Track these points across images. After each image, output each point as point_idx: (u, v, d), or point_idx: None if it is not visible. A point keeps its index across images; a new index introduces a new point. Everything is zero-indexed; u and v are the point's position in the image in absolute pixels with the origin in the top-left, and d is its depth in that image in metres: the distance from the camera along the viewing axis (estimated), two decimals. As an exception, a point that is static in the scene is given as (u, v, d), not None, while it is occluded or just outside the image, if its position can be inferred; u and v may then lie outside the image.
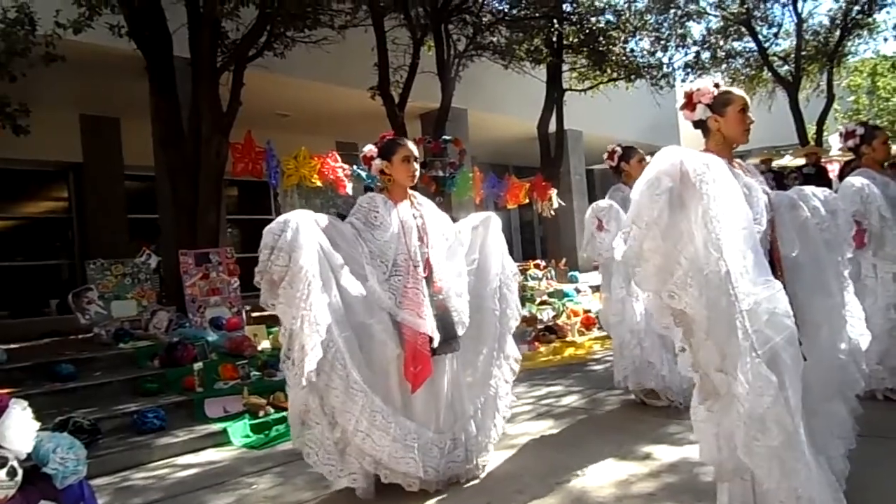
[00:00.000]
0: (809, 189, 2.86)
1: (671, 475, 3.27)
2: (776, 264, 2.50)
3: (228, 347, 5.91)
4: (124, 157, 10.16)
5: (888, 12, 17.23)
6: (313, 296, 2.83)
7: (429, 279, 3.29)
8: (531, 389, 5.51)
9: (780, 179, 10.70)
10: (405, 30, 9.34)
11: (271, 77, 8.40)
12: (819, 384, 2.53)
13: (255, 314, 7.20)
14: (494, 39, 10.03)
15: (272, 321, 6.85)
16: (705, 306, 2.25)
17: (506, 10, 10.14)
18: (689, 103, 2.66)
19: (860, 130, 4.34)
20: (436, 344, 3.21)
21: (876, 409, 3.33)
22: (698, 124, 2.69)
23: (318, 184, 7.24)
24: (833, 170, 10.92)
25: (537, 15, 10.10)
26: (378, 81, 8.88)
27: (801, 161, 11.43)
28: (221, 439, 4.63)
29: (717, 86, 2.66)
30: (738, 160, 2.69)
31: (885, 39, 13.67)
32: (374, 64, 8.86)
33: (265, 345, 6.33)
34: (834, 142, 10.94)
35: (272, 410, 4.92)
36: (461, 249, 3.54)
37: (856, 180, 4.09)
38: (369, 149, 3.46)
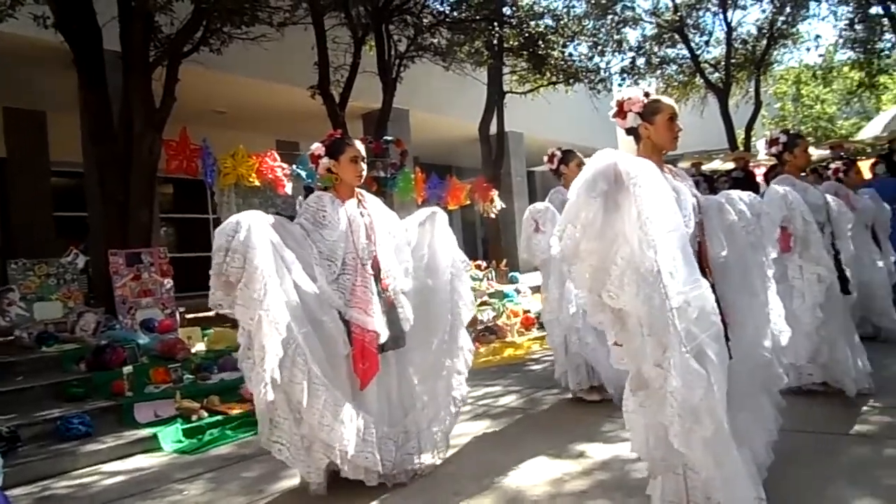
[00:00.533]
0: (736, 193, 2.98)
1: (604, 472, 3.34)
2: (704, 264, 2.58)
3: (160, 350, 5.73)
4: (51, 153, 9.78)
5: (810, 24, 18.07)
6: (270, 295, 2.83)
7: (377, 277, 3.33)
8: (470, 390, 5.44)
9: (711, 183, 11.08)
10: (346, 29, 9.28)
11: (208, 73, 8.22)
12: (744, 379, 2.63)
13: (189, 316, 7.02)
14: (435, 41, 10.06)
15: (207, 323, 6.70)
16: (643, 303, 2.32)
17: (447, 12, 10.19)
18: (621, 111, 2.75)
19: (783, 138, 4.52)
20: (383, 340, 3.25)
21: (798, 404, 3.49)
22: (630, 131, 2.78)
23: (257, 183, 7.12)
24: (760, 174, 11.37)
25: (478, 17, 10.19)
26: (318, 80, 8.79)
27: (731, 165, 11.85)
28: (151, 445, 4.48)
29: (646, 95, 2.75)
30: (668, 165, 2.78)
31: (808, 49, 14.29)
32: (314, 63, 8.77)
33: (199, 347, 6.17)
34: (761, 147, 11.38)
35: (206, 414, 4.81)
36: (408, 246, 3.58)
37: (779, 187, 4.27)
38: (317, 147, 3.47)
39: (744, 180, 10.32)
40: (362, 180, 3.47)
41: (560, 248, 2.40)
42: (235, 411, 4.88)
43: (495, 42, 10.47)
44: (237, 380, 5.10)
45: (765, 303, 2.83)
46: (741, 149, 13.46)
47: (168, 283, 6.79)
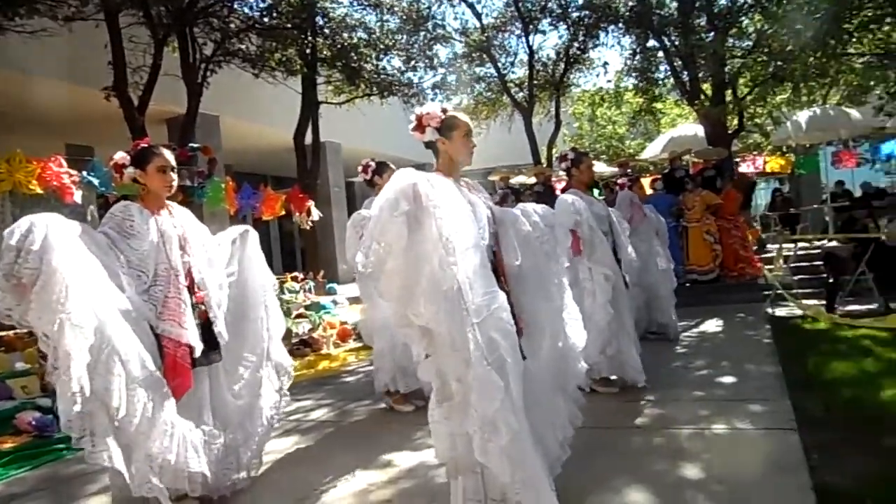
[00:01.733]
0: (531, 206, 3.21)
1: (408, 480, 3.43)
2: (500, 273, 2.73)
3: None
4: None
5: (600, 51, 19.88)
6: (73, 298, 2.58)
7: (190, 289, 3.20)
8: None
9: (518, 195, 11.80)
10: (145, 28, 8.69)
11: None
12: (542, 378, 2.82)
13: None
14: (244, 47, 9.73)
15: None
16: (445, 320, 2.41)
17: (256, 18, 9.90)
18: (420, 125, 2.85)
19: (571, 155, 4.96)
20: (197, 354, 3.12)
21: (593, 401, 3.80)
22: (429, 145, 2.88)
23: (39, 190, 6.42)
24: (560, 187, 12.33)
25: (289, 25, 10.02)
26: (113, 81, 8.14)
27: (534, 179, 12.70)
28: None
29: (444, 111, 2.86)
30: (465, 179, 2.92)
31: (597, 74, 15.66)
32: (109, 62, 8.12)
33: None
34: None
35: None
36: (221, 261, 3.47)
37: (567, 197, 4.68)
38: (121, 156, 3.26)
39: (545, 193, 11.09)
40: (172, 191, 3.31)
41: (366, 264, 2.44)
42: (7, 445, 4.36)
43: (308, 51, 10.33)
44: (10, 409, 4.57)
45: (561, 308, 3.04)
46: (544, 164, 14.43)
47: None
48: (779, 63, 9.08)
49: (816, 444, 3.35)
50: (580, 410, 3.13)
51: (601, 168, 16.63)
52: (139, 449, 2.82)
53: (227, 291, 3.43)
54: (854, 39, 8.02)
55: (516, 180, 15.30)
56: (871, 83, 11.54)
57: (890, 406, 4.01)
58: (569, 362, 3.02)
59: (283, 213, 10.58)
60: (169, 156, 3.31)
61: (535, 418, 2.67)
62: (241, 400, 3.46)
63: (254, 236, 3.67)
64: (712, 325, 7.45)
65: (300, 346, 7.78)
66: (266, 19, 9.97)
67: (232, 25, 9.33)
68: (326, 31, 10.72)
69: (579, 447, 3.08)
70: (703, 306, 8.42)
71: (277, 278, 9.27)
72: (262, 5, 9.91)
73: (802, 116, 13.63)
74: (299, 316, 8.84)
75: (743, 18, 11.84)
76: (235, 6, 9.55)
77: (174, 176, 3.29)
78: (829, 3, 6.35)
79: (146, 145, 3.38)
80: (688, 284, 9.51)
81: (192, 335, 3.11)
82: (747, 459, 3.26)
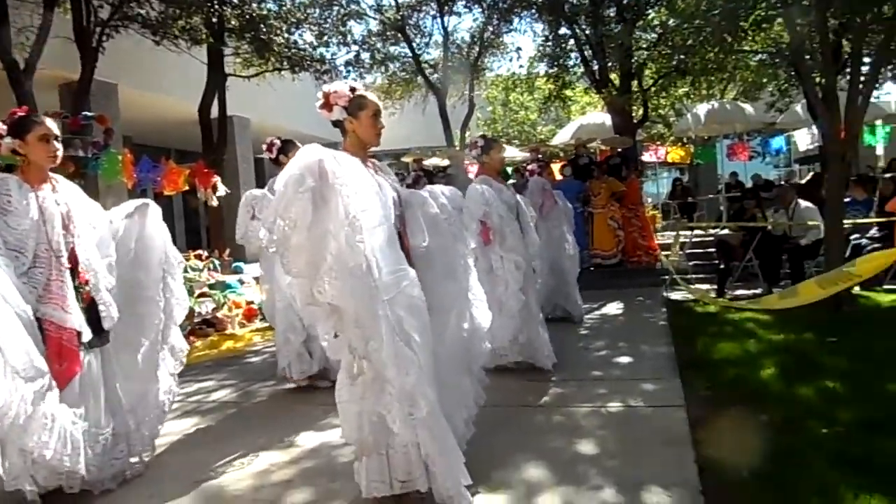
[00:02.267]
0: (438, 188, 3.23)
1: (311, 460, 3.41)
2: (406, 254, 2.73)
3: None
4: None
5: (513, 36, 20.11)
6: None
7: (74, 270, 3.00)
8: (180, 387, 5.17)
9: (430, 177, 11.82)
10: (34, -16, 8.09)
11: None
12: (448, 359, 2.84)
13: None
14: (143, 11, 9.19)
15: None
16: (351, 297, 2.40)
17: (158, -18, 9.39)
18: (327, 104, 2.78)
19: (481, 142, 4.97)
20: (85, 338, 2.96)
21: (492, 381, 3.86)
22: (336, 124, 2.82)
23: None
24: (473, 171, 12.43)
25: (194, -8, 9.56)
26: (-5, 40, 7.54)
27: (447, 162, 12.75)
28: None
29: (353, 90, 2.80)
30: (372, 160, 2.88)
31: (511, 59, 15.85)
32: (-9, 21, 7.51)
33: None
34: (473, 146, 12.41)
35: None
36: (112, 240, 3.27)
37: (478, 187, 4.72)
38: None
39: (457, 176, 11.18)
40: (56, 162, 3.08)
41: (270, 240, 2.40)
42: None
43: (215, 20, 9.89)
44: None
45: (466, 289, 3.07)
46: (457, 147, 14.51)
47: None
48: (681, 56, 9.48)
49: (701, 420, 3.56)
50: (484, 390, 3.20)
51: (513, 153, 16.90)
52: (13, 443, 2.66)
53: (115, 271, 3.25)
54: (748, 37, 8.48)
55: (429, 162, 15.33)
56: (764, 80, 12.27)
57: (768, 384, 4.31)
58: (474, 342, 3.06)
59: (187, 188, 10.16)
60: (51, 124, 3.10)
61: (443, 398, 2.71)
62: (134, 384, 3.32)
63: (154, 211, 3.46)
64: (613, 308, 7.75)
65: (203, 326, 7.55)
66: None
67: (131, -12, 8.80)
68: (235, 0, 10.29)
69: (483, 425, 3.15)
70: (605, 290, 8.74)
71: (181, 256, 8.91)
72: (164, -30, 9.39)
73: (702, 109, 14.34)
74: (202, 295, 8.56)
75: (650, 11, 12.27)
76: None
77: (58, 146, 3.08)
78: (725, 0, 6.68)
79: (24, 114, 3.15)
80: (592, 269, 9.85)
81: (76, 319, 2.95)
82: (638, 435, 3.42)
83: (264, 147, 4.89)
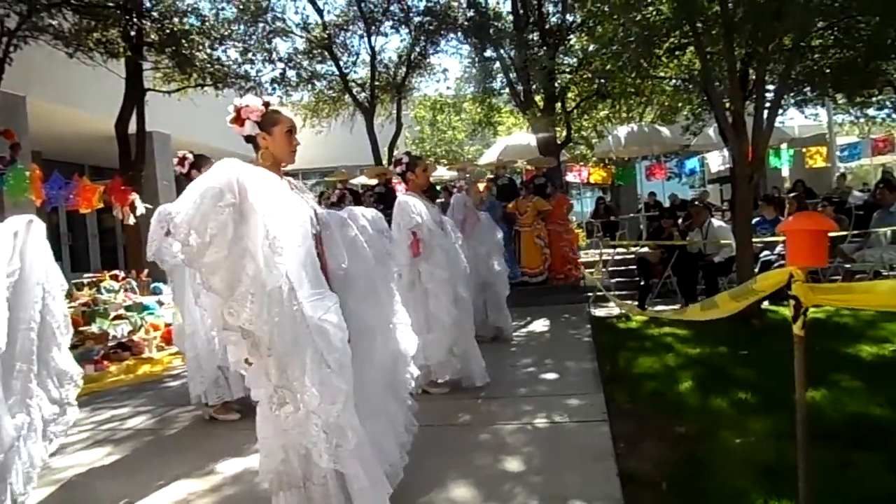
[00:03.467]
0: (359, 210, 3.13)
1: (232, 487, 3.31)
2: (325, 277, 2.62)
3: None
4: None
5: (440, 57, 20.36)
6: None
7: None
8: (92, 414, 4.99)
9: (357, 196, 11.74)
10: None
11: None
12: (375, 385, 2.79)
13: None
14: (55, 23, 8.80)
15: None
16: (267, 322, 2.28)
17: (71, -8, 9.01)
18: (238, 118, 2.68)
19: (406, 159, 4.97)
20: None
21: (424, 400, 3.85)
22: (249, 139, 2.73)
23: None
24: (401, 189, 12.44)
25: (110, 4, 9.22)
26: None
27: (375, 181, 12.72)
28: None
29: (266, 104, 2.71)
30: (288, 178, 2.78)
31: (438, 80, 16.00)
32: None
33: None
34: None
35: None
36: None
37: (409, 199, 4.72)
38: None
39: (386, 194, 11.15)
40: None
41: (184, 254, 2.26)
42: None
43: (133, 34, 9.56)
44: None
45: (391, 313, 3.01)
46: (383, 165, 14.48)
47: None
48: (601, 81, 9.83)
49: (623, 433, 3.66)
50: (414, 415, 3.17)
51: (441, 172, 17.03)
52: None
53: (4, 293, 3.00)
54: (663, 63, 8.89)
55: (357, 181, 15.25)
56: (679, 104, 12.85)
57: (685, 396, 4.47)
58: (399, 367, 3.01)
59: (102, 205, 9.75)
60: None
61: (374, 426, 2.66)
62: (13, 415, 3.02)
63: (38, 228, 3.23)
64: (540, 325, 7.88)
65: (118, 350, 7.20)
66: (84, -5, 9.09)
67: (42, -1, 8.41)
68: (155, 13, 9.98)
69: (417, 445, 3.13)
70: (533, 307, 8.88)
71: (94, 277, 8.58)
72: (78, -20, 9.03)
73: (622, 131, 14.88)
74: (118, 317, 8.19)
75: (571, 37, 12.68)
76: (47, -23, 8.62)
77: None
78: (640, 28, 6.98)
79: None
80: (520, 287, 9.99)
81: None
82: (563, 451, 3.47)
83: (175, 161, 4.72)
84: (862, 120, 16.04)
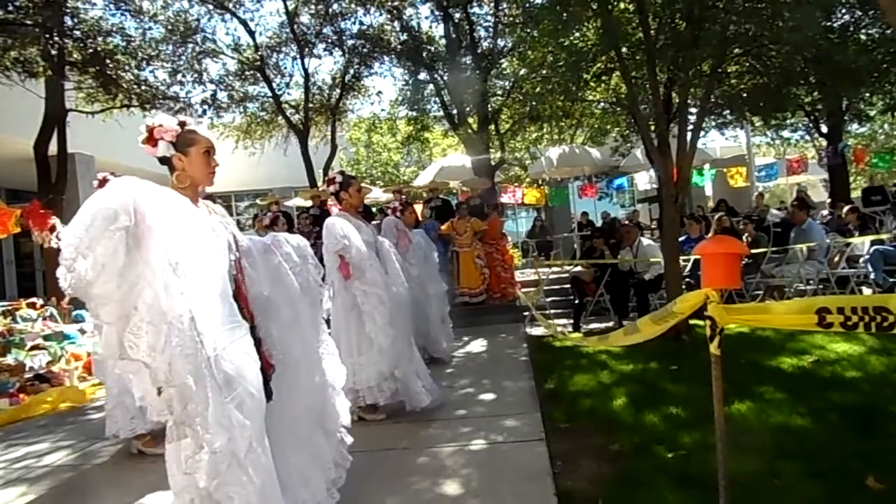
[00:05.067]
0: (283, 236, 3.05)
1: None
2: (242, 304, 2.50)
3: None
4: None
5: (373, 79, 20.40)
6: None
7: None
8: (4, 452, 4.70)
9: (289, 219, 11.56)
10: None
11: None
12: (300, 417, 2.69)
13: None
14: (-32, 40, 8.43)
15: None
16: (164, 352, 2.09)
17: (-12, 10, 8.64)
18: (151, 138, 2.54)
19: (339, 178, 4.92)
20: None
21: (361, 425, 3.77)
22: (164, 161, 2.58)
23: None
24: (335, 210, 12.33)
25: (29, 23, 8.87)
26: None
27: (309, 203, 12.58)
28: None
29: (182, 124, 2.59)
30: (205, 201, 2.65)
31: (372, 102, 16.05)
32: None
33: None
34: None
35: None
36: None
37: (333, 220, 4.67)
38: None
39: (321, 216, 11.02)
40: None
41: (70, 281, 2.03)
42: None
43: (54, 53, 9.22)
44: None
45: (317, 343, 2.92)
46: (321, 187, 14.34)
47: None
48: (532, 103, 10.02)
49: (560, 452, 3.69)
50: (349, 436, 3.11)
51: (377, 194, 16.99)
52: None
53: None
54: (591, 87, 9.17)
55: (292, 203, 15.05)
56: (608, 127, 13.24)
57: (619, 413, 4.55)
58: (327, 398, 2.91)
59: (19, 230, 9.29)
60: None
61: (298, 460, 2.57)
62: None
63: None
64: (477, 345, 7.90)
65: (35, 382, 6.84)
66: (1, 12, 8.70)
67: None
68: (77, 32, 9.65)
69: (348, 472, 3.06)
70: (472, 327, 8.90)
71: (10, 305, 8.14)
72: (-5, -4, 8.66)
73: (554, 153, 15.21)
74: (36, 347, 7.79)
75: (503, 61, 12.92)
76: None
77: None
78: (569, 54, 7.19)
79: None
80: (459, 307, 10.01)
81: None
82: (501, 471, 3.47)
83: (95, 184, 4.54)
84: (777, 141, 16.92)
